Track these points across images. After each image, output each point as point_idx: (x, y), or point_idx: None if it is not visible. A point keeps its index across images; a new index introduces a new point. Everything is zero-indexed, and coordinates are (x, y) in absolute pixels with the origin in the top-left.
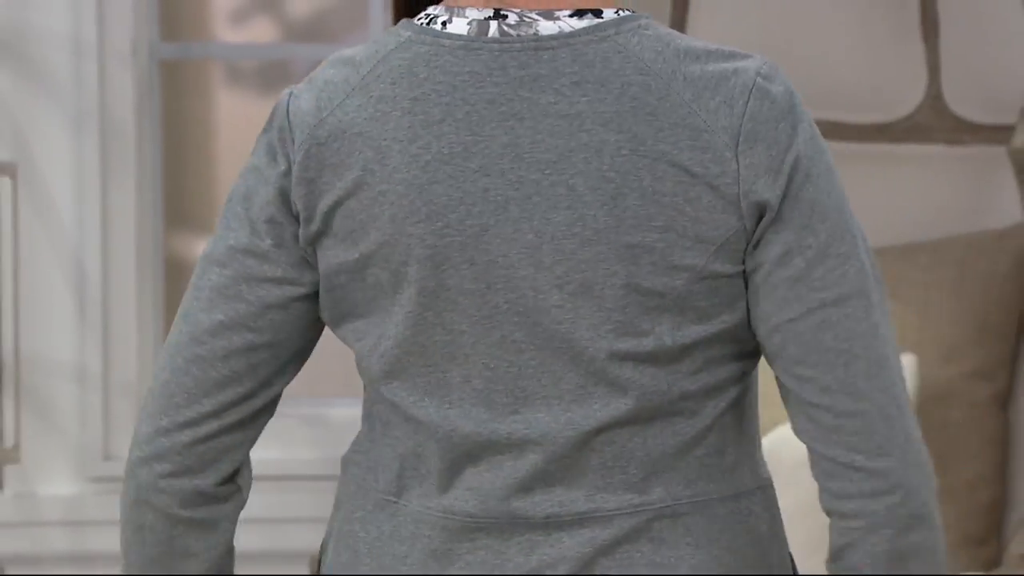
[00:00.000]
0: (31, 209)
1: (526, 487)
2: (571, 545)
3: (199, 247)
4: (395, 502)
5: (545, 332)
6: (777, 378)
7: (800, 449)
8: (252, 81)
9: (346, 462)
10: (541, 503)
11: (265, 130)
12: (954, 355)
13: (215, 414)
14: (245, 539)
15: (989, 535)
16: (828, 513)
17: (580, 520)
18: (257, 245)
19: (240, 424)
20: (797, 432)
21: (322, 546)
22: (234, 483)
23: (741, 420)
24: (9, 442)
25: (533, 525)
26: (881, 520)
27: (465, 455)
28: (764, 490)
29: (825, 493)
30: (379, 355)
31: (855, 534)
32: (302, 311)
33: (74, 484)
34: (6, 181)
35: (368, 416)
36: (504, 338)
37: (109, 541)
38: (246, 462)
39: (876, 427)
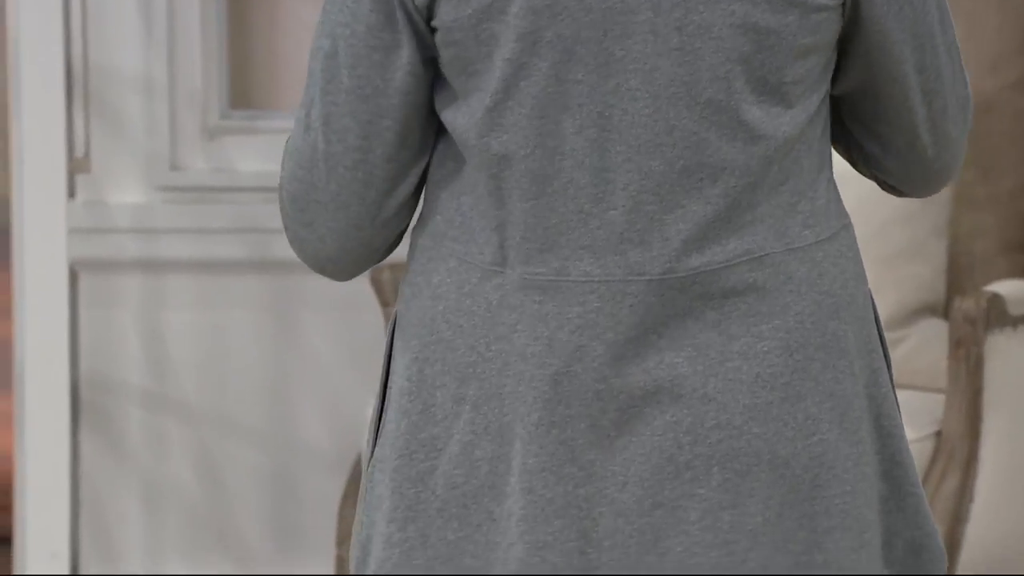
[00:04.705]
0: None
1: (642, 239)
2: (684, 303)
3: None
4: (500, 271)
5: (663, 77)
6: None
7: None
8: None
9: (431, 236)
10: (658, 258)
11: None
12: (999, 66)
13: (384, 202)
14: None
15: None
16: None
17: (693, 276)
18: (377, 33)
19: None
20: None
21: (394, 323)
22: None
23: (826, 159)
24: (80, 151)
25: (650, 283)
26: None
27: (577, 211)
28: (847, 228)
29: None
30: (486, 109)
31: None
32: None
33: (142, 193)
34: None
35: (456, 188)
36: (619, 86)
37: (177, 248)
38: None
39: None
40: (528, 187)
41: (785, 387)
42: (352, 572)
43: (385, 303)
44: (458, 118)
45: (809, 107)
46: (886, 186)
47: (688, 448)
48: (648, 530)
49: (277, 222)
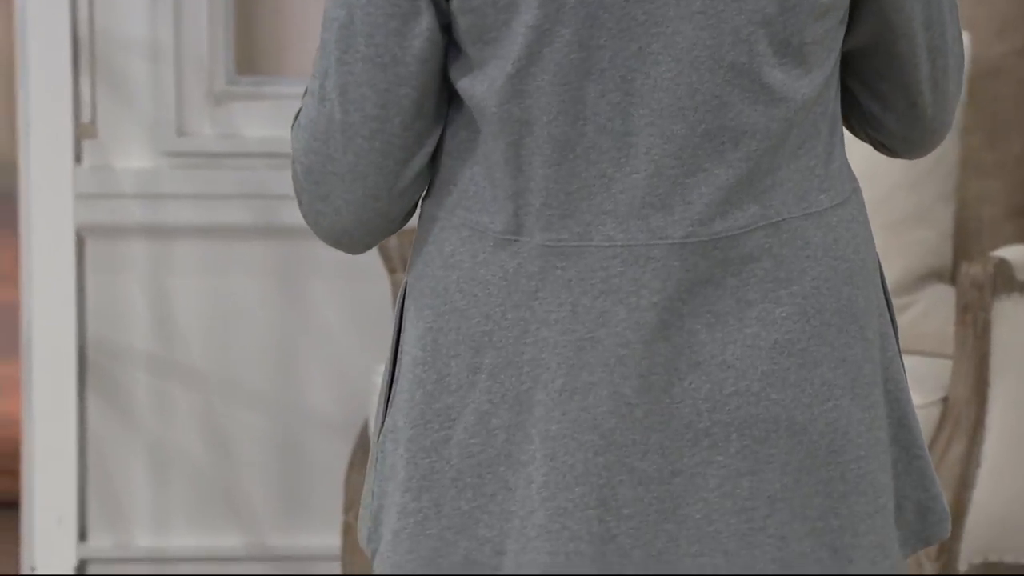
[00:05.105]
0: None
1: (664, 203)
2: (705, 268)
3: None
4: (515, 240)
5: (685, 41)
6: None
7: None
8: None
9: (443, 207)
10: (680, 222)
11: None
12: (1006, 31)
13: (401, 172)
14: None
15: None
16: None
17: (715, 241)
18: (395, 0)
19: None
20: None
21: (404, 292)
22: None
23: (838, 122)
24: (86, 117)
25: (672, 247)
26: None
27: (599, 176)
28: (857, 192)
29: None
30: (507, 77)
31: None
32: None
33: (149, 158)
34: None
35: (468, 158)
36: (641, 50)
37: (183, 214)
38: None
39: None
40: (550, 153)
41: (802, 353)
42: (364, 542)
43: (392, 270)
44: (475, 86)
45: (826, 69)
46: (880, 147)
47: (707, 415)
48: (667, 498)
49: (284, 188)
